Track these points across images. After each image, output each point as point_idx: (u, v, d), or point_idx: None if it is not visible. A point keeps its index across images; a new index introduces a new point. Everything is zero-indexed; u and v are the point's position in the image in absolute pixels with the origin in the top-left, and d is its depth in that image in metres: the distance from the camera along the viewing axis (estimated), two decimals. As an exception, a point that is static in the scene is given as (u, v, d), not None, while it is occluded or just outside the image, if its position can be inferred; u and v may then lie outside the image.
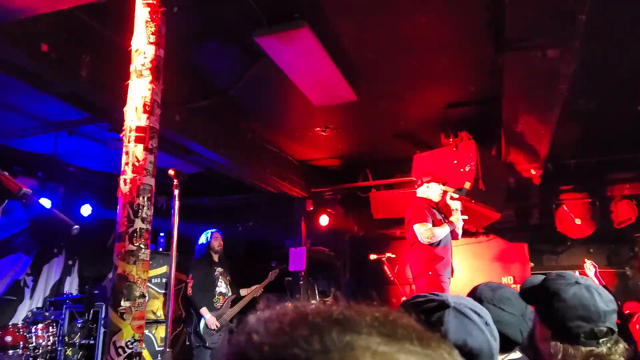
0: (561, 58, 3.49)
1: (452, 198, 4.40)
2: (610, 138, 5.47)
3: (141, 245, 1.99)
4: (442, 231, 4.19)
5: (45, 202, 5.21)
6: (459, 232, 4.36)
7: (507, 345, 1.36)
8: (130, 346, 1.90)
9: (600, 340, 1.25)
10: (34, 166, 5.45)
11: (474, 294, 1.47)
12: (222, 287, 5.20)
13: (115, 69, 3.18)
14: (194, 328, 4.94)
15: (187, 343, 5.26)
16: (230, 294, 5.22)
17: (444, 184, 4.50)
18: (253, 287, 5.42)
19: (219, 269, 5.21)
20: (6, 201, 1.27)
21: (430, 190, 4.46)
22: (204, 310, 4.89)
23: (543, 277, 1.45)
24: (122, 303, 1.92)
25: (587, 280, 1.34)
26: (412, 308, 1.01)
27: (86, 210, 6.19)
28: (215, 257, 5.20)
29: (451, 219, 4.31)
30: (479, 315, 0.98)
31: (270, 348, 0.35)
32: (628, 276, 6.87)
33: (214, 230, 5.29)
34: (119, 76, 3.04)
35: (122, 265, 1.95)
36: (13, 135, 4.61)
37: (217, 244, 5.20)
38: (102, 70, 3.16)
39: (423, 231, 4.12)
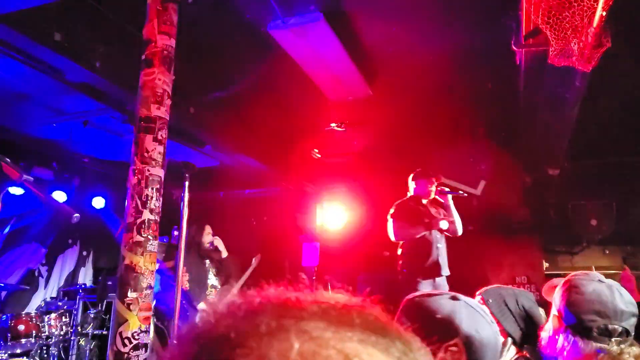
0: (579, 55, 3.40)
1: (439, 193, 4.26)
2: (628, 139, 5.33)
3: (149, 237, 1.97)
4: (412, 230, 4.11)
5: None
6: (455, 228, 4.22)
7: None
8: (136, 337, 1.89)
9: (613, 339, 1.23)
10: (49, 157, 5.51)
11: (482, 294, 1.47)
12: (212, 279, 5.23)
13: (129, 59, 3.19)
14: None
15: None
16: (220, 285, 5.25)
17: (434, 180, 4.33)
18: (242, 277, 5.44)
19: (209, 262, 5.22)
20: (7, 188, 1.25)
21: (417, 186, 4.33)
22: (201, 305, 4.90)
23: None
24: (129, 294, 1.91)
25: (612, 281, 1.33)
26: (422, 302, 1.03)
27: (99, 202, 6.25)
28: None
29: (435, 213, 4.21)
30: (484, 311, 1.04)
31: (220, 329, 0.36)
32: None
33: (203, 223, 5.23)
34: (133, 67, 3.05)
35: (130, 256, 1.94)
36: (29, 124, 4.66)
37: (207, 239, 5.19)
38: (116, 60, 3.16)
39: (390, 228, 4.12)
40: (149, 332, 1.96)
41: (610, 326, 1.24)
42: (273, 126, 5.40)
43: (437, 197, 4.28)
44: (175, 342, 0.39)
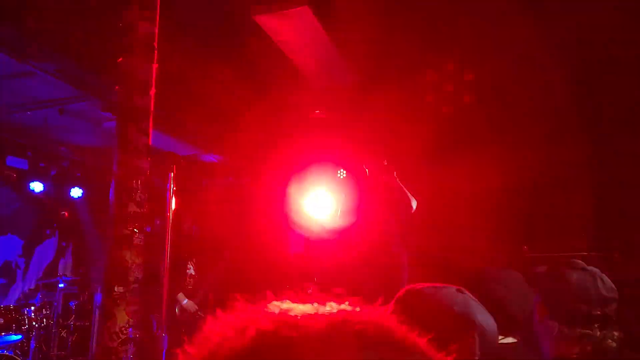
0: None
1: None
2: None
3: (135, 230, 1.93)
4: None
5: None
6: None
7: (508, 325, 1.39)
8: (124, 331, 1.86)
9: (596, 325, 1.28)
10: (24, 146, 5.34)
11: (480, 275, 1.48)
12: (191, 269, 5.22)
13: (106, 45, 3.08)
14: (170, 312, 4.89)
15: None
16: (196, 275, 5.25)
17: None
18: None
19: (187, 252, 5.20)
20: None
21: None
22: (180, 296, 4.88)
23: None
24: (116, 288, 1.87)
25: (594, 269, 1.38)
26: (431, 295, 1.06)
27: (76, 192, 6.12)
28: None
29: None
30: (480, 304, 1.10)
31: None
32: (616, 261, 6.92)
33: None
34: (111, 53, 2.95)
35: (116, 249, 1.89)
36: (2, 112, 4.49)
37: (185, 227, 5.15)
38: (93, 46, 3.05)
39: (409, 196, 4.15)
40: (136, 326, 1.93)
41: (593, 312, 1.28)
42: (255, 114, 5.33)
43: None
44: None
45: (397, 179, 3.99)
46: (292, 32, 3.48)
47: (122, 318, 1.86)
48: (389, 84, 4.59)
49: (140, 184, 1.96)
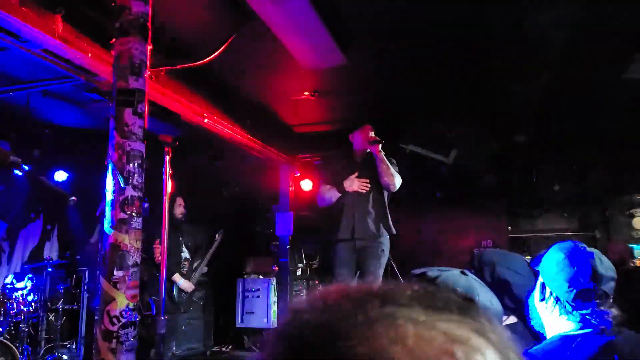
0: (552, 24, 3.46)
1: (369, 145, 3.99)
2: (590, 105, 5.53)
3: (133, 214, 1.92)
4: (328, 195, 4.02)
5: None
6: (388, 180, 3.91)
7: (513, 306, 1.42)
8: (124, 315, 1.86)
9: (596, 302, 1.33)
10: (6, 128, 5.20)
11: (481, 258, 1.51)
12: (186, 252, 5.26)
13: (94, 24, 2.99)
14: (167, 294, 4.89)
15: (149, 312, 4.88)
16: (191, 259, 5.29)
17: (368, 130, 4.06)
18: (208, 253, 5.51)
19: (182, 234, 5.23)
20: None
21: (354, 142, 4.16)
22: (176, 276, 4.91)
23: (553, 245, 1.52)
24: (115, 272, 1.86)
25: (592, 249, 1.42)
26: (434, 278, 1.07)
27: (61, 175, 6.01)
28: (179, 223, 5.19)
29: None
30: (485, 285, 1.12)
31: (317, 324, 0.36)
32: (597, 239, 7.14)
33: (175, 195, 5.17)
34: (98, 32, 2.87)
35: (115, 234, 1.88)
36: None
37: (179, 210, 5.15)
38: (80, 25, 2.96)
39: (318, 192, 4.11)
40: (137, 309, 1.93)
41: (593, 291, 1.32)
42: (244, 95, 5.27)
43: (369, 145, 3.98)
44: (268, 341, 0.38)
45: (382, 153, 3.95)
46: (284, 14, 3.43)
47: (122, 302, 1.87)
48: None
49: (137, 167, 1.95)
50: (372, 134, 4.08)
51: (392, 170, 3.94)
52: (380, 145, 3.92)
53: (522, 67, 4.30)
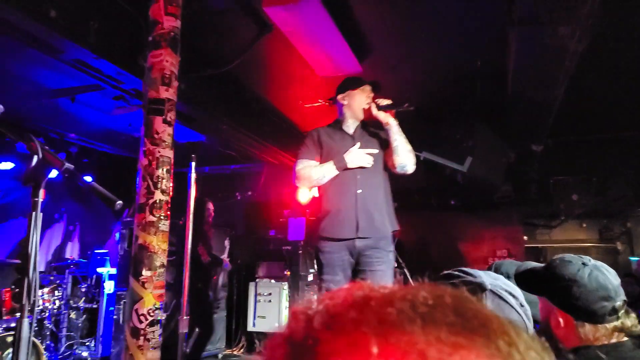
0: (572, 35, 3.49)
1: (379, 105, 2.90)
2: (611, 116, 5.51)
3: (161, 217, 2.02)
4: (321, 171, 2.84)
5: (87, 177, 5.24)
6: (405, 159, 2.88)
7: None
8: (151, 314, 1.96)
9: (620, 314, 1.32)
10: (35, 133, 5.40)
11: (499, 269, 1.48)
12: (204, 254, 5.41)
13: (123, 36, 3.13)
14: (214, 295, 5.19)
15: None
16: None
17: (368, 89, 2.96)
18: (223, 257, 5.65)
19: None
20: (48, 175, 1.29)
21: (350, 104, 2.96)
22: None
23: (536, 265, 1.45)
24: (144, 272, 1.97)
25: (591, 260, 1.39)
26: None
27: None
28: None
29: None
30: (514, 296, 0.96)
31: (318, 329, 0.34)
32: (619, 251, 7.06)
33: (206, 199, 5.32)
34: (127, 44, 3.01)
35: (143, 235, 1.99)
36: (15, 101, 4.55)
37: (207, 214, 5.28)
38: (110, 37, 3.10)
39: (295, 170, 2.93)
40: (162, 309, 2.03)
41: (616, 305, 1.31)
42: (260, 101, 5.39)
43: (376, 112, 2.90)
44: (268, 346, 0.37)
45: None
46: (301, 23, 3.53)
47: (150, 301, 1.97)
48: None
49: (165, 173, 2.05)
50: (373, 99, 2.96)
51: (409, 145, 2.95)
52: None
53: (541, 75, 4.32)
